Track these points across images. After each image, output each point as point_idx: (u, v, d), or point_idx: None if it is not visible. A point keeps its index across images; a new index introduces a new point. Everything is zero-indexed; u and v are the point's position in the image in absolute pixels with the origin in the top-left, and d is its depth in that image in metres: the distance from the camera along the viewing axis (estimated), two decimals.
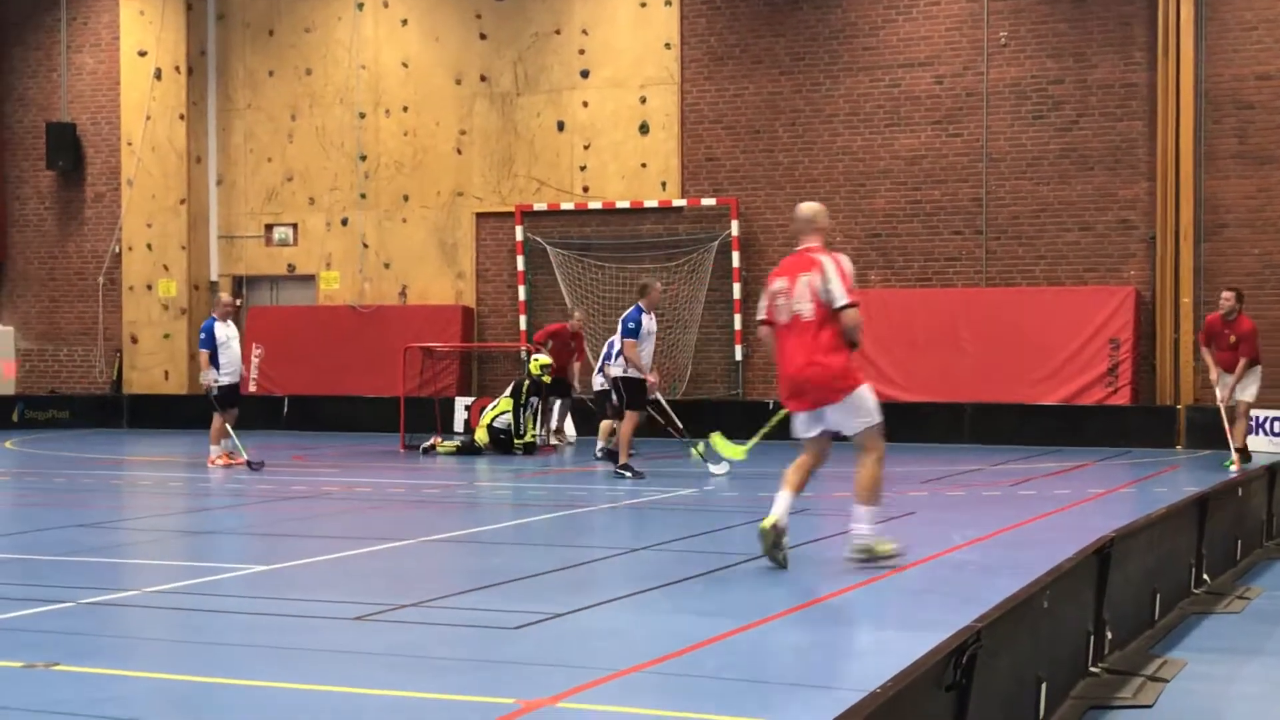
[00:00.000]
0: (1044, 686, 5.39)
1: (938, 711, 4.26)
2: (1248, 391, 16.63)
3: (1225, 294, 16.98)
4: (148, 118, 25.38)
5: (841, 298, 8.95)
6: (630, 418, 15.77)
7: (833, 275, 9.00)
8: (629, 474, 15.39)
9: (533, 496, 15.20)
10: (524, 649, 7.09)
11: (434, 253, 24.61)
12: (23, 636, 7.38)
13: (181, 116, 25.29)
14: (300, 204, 25.33)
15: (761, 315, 9.39)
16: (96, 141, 26.25)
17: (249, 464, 16.93)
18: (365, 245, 25.00)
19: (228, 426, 17.32)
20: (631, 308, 16.14)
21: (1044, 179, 21.48)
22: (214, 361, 17.39)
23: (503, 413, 19.26)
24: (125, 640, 7.59)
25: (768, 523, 9.00)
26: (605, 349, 17.97)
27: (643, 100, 23.37)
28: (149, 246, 25.53)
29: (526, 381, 19.45)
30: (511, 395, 19.38)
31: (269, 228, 25.52)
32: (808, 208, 9.36)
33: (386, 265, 24.88)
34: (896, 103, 22.11)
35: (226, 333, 17.49)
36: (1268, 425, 19.50)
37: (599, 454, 18.17)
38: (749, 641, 7.23)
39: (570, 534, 11.85)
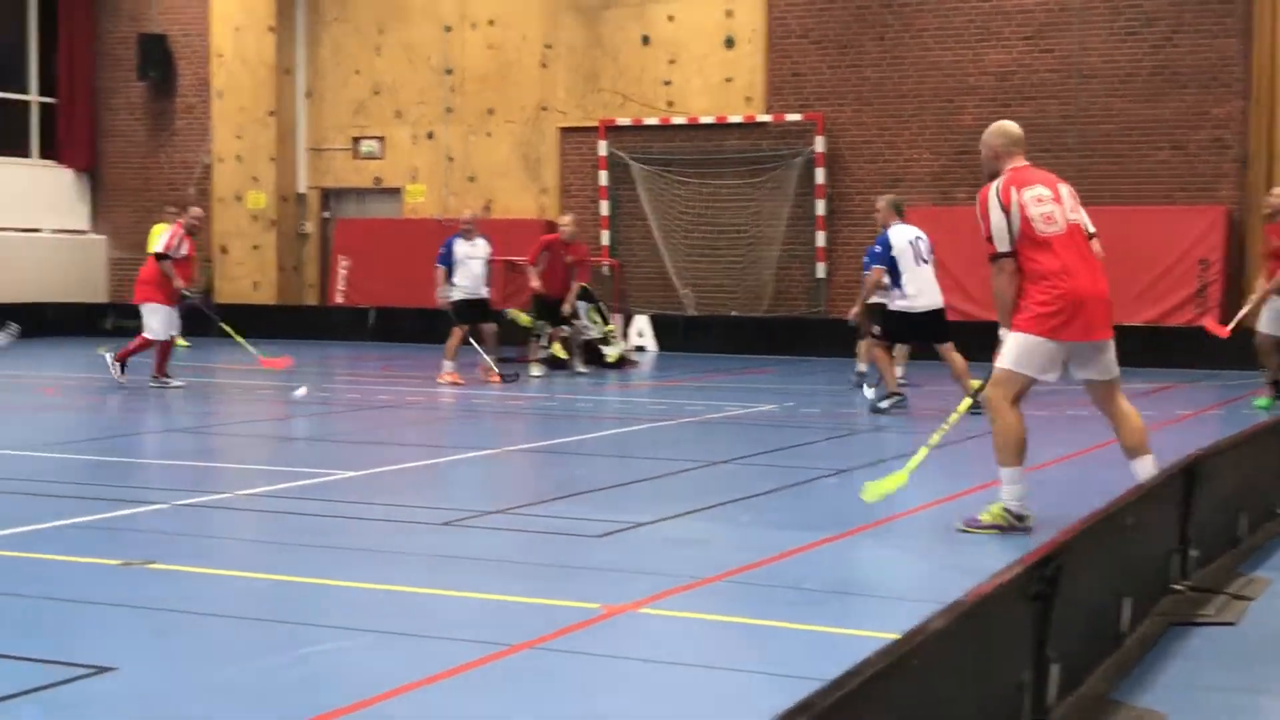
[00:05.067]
0: (1127, 602, 5.40)
1: (1021, 621, 4.29)
2: None
3: (1276, 191, 14.34)
4: (237, 29, 25.51)
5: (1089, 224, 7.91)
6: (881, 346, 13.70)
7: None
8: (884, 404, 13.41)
9: (615, 410, 15.30)
10: (607, 556, 7.19)
11: (518, 167, 24.63)
12: (120, 535, 7.58)
13: (271, 29, 25.39)
14: (387, 117, 25.42)
15: (1005, 245, 7.57)
16: (187, 53, 26.43)
17: (502, 377, 16.79)
18: (450, 159, 25.07)
19: (473, 342, 17.10)
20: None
21: (1136, 96, 21.10)
22: (450, 277, 17.27)
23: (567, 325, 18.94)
24: (218, 541, 7.77)
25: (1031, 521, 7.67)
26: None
27: (728, 14, 23.16)
28: (239, 158, 25.75)
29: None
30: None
31: (356, 140, 25.64)
32: (1015, 126, 8.00)
33: (471, 179, 24.94)
34: (987, 17, 21.76)
35: (467, 250, 17.32)
36: None
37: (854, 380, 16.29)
38: (830, 553, 7.28)
39: (653, 447, 11.94)
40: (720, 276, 23.21)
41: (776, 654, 5.51)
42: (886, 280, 13.48)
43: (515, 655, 5.34)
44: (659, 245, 23.47)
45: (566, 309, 18.24)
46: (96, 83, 27.08)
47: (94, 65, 27.02)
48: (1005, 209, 7.58)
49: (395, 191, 25.57)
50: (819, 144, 22.42)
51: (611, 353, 19.32)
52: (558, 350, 18.75)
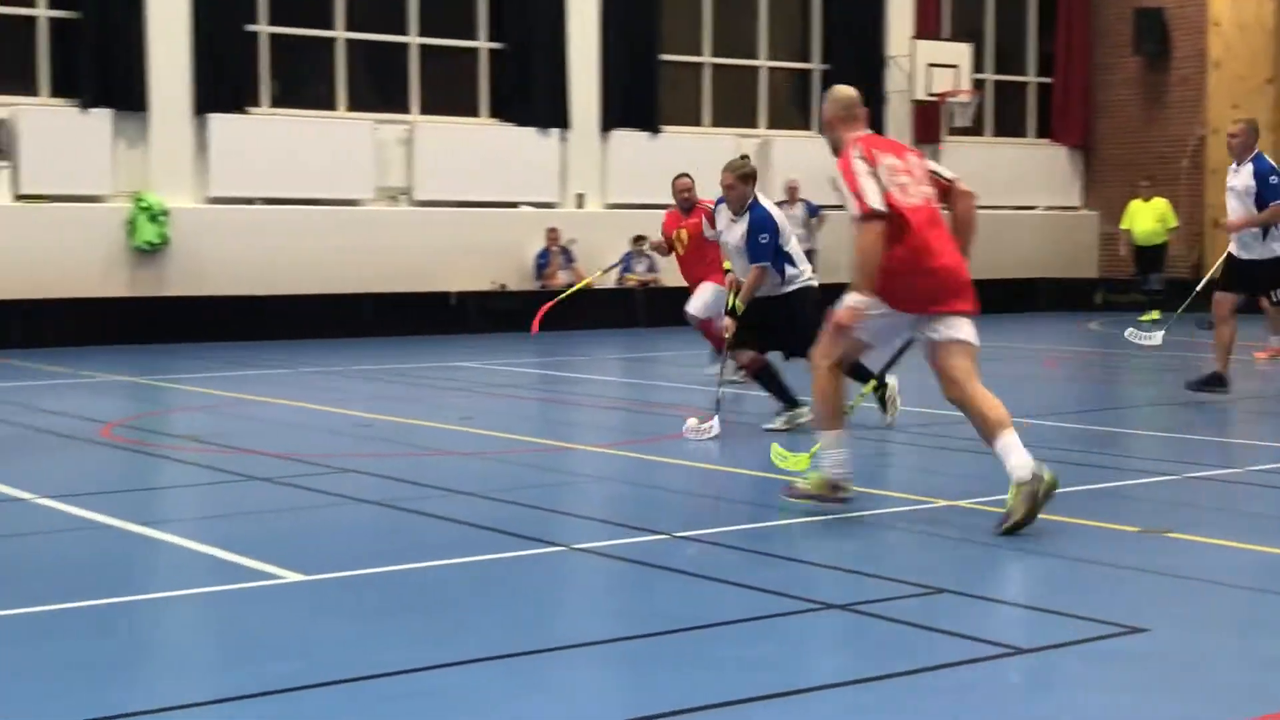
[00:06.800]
0: None
1: None
2: None
3: None
4: None
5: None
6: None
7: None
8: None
9: None
10: None
11: None
12: (1133, 504, 7.78)
13: None
14: None
15: (878, 203, 6.85)
16: (1183, 25, 26.13)
17: None
18: None
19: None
20: None
21: None
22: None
23: None
24: (1227, 514, 7.74)
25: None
26: None
27: None
28: None
29: None
30: None
31: None
32: (850, 90, 7.33)
33: None
34: None
35: None
36: None
37: None
38: None
39: None
40: None
41: None
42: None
43: None
44: None
45: None
46: (1092, 60, 27.53)
47: (1090, 43, 27.49)
48: (863, 168, 6.98)
49: None
50: None
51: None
52: None
